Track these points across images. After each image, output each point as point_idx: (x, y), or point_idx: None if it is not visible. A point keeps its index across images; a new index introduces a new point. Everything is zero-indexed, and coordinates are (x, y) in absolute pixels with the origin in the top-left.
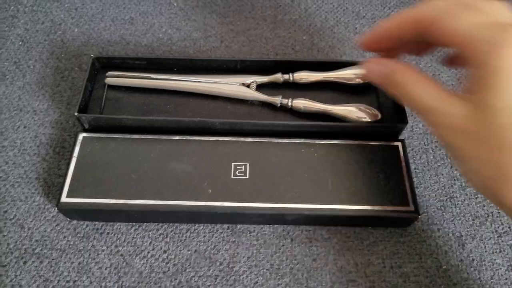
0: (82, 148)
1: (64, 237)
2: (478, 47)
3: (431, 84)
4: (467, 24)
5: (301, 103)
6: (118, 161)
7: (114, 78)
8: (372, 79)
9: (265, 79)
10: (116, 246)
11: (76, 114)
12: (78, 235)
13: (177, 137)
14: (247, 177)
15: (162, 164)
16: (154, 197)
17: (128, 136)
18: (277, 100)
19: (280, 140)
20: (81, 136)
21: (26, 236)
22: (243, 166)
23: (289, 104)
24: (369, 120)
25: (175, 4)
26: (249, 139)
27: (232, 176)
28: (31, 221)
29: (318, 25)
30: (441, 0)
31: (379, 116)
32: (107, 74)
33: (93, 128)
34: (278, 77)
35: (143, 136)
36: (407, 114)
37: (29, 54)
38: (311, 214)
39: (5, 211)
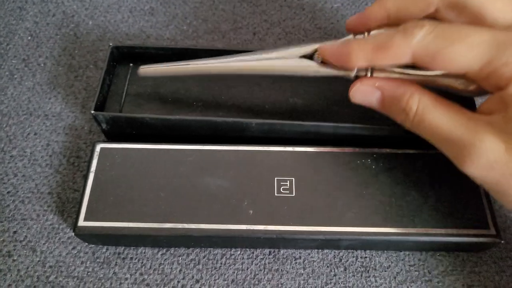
0: (101, 162)
1: (82, 262)
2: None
3: (454, 110)
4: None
5: (388, 71)
6: (142, 176)
7: (148, 69)
8: (370, 105)
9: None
10: (141, 274)
11: (92, 112)
12: (98, 260)
13: (209, 147)
14: (293, 194)
15: (193, 180)
16: (186, 220)
17: (153, 146)
18: (351, 72)
19: (330, 149)
20: (99, 147)
21: (38, 261)
22: (288, 181)
23: (369, 75)
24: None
25: None
26: (293, 148)
27: (276, 194)
28: (44, 244)
29: None
30: None
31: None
32: (140, 67)
33: (111, 130)
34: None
35: (170, 146)
36: None
37: (39, 50)
38: (372, 239)
39: (15, 232)
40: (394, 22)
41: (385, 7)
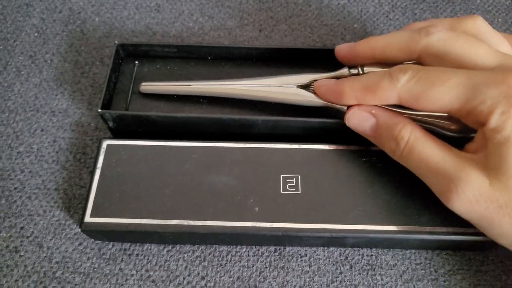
0: (107, 158)
1: (88, 258)
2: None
3: (443, 146)
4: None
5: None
6: (148, 173)
7: (149, 86)
8: (363, 131)
9: (326, 77)
10: (147, 271)
11: (99, 110)
12: (104, 256)
13: (215, 144)
14: (299, 192)
15: (199, 177)
16: (192, 217)
17: (159, 143)
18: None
19: (336, 147)
20: (105, 143)
21: (45, 257)
22: (294, 178)
23: None
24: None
25: None
26: (299, 145)
27: (281, 191)
28: (51, 239)
29: (371, 11)
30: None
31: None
32: (141, 84)
33: (118, 128)
34: (344, 73)
35: (176, 143)
36: None
37: (46, 47)
38: (378, 237)
39: (22, 228)
40: (380, 61)
41: (371, 47)
